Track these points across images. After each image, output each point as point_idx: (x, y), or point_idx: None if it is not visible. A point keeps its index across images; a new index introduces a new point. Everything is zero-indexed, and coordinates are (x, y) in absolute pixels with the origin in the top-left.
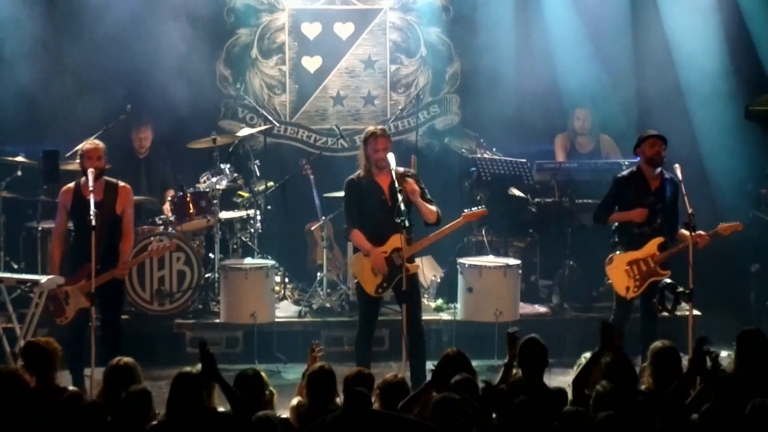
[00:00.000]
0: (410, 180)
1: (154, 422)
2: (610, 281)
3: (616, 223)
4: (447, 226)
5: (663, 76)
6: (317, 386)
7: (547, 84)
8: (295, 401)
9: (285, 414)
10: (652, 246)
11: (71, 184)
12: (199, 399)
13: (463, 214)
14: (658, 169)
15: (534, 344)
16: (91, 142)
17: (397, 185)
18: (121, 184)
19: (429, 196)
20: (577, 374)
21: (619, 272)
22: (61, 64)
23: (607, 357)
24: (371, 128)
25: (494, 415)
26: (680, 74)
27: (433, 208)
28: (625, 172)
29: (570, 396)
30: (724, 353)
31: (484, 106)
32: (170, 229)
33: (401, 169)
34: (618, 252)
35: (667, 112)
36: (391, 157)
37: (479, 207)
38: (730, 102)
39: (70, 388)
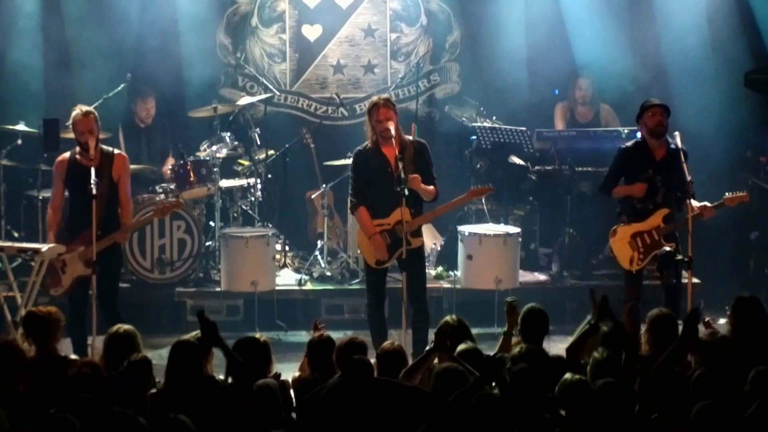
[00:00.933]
0: (414, 177)
1: (154, 390)
2: (612, 254)
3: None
4: (451, 202)
5: (663, 45)
6: (319, 355)
7: (547, 53)
8: (296, 374)
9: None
10: (656, 218)
11: (66, 154)
12: (198, 367)
13: (469, 190)
14: (663, 139)
15: (535, 312)
16: (82, 111)
17: (397, 152)
18: (116, 151)
19: (433, 172)
20: (572, 343)
21: (623, 244)
22: (61, 33)
23: (606, 326)
24: (375, 98)
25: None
26: (680, 42)
27: (431, 187)
28: (629, 143)
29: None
30: (722, 320)
31: (484, 74)
32: (170, 196)
33: (410, 138)
34: (621, 224)
35: (667, 80)
36: (390, 126)
37: (486, 184)
38: (730, 70)
39: (72, 356)
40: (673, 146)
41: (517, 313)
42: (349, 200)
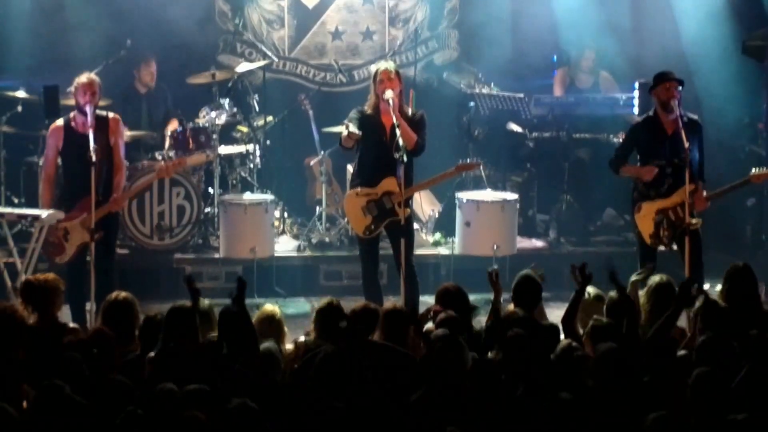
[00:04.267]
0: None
1: (151, 354)
2: (637, 230)
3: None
4: (439, 175)
5: (661, 12)
6: (325, 321)
7: (546, 18)
8: (301, 338)
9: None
10: (681, 194)
11: (59, 122)
12: (194, 332)
13: (457, 165)
14: (676, 113)
15: (528, 280)
16: (87, 76)
17: (395, 121)
18: (111, 115)
19: (422, 136)
20: (564, 314)
21: (648, 221)
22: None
23: (612, 294)
24: (378, 64)
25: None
26: (678, 9)
27: (414, 135)
28: (639, 119)
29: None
30: (718, 287)
31: (482, 41)
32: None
33: (409, 110)
34: (647, 200)
35: (664, 47)
36: (389, 93)
37: (474, 159)
38: (728, 37)
39: (71, 324)
40: (686, 120)
41: (499, 282)
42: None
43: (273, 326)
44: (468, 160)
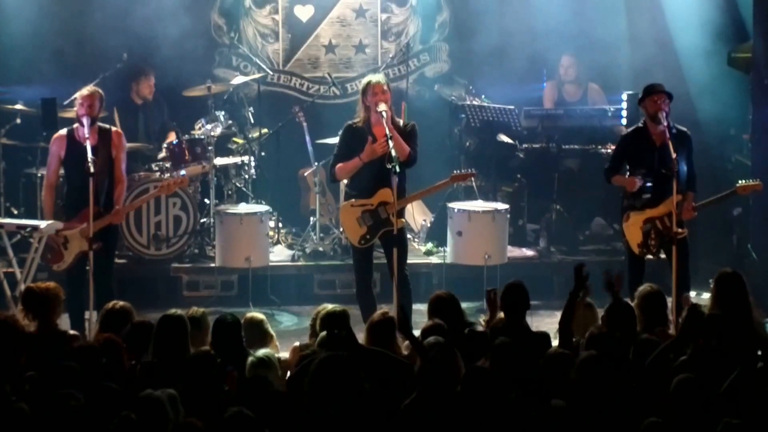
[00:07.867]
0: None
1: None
2: (625, 239)
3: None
4: (434, 186)
5: (649, 24)
6: (324, 328)
7: (536, 31)
8: (297, 343)
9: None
10: (669, 204)
11: (63, 131)
12: (185, 341)
13: (452, 175)
14: (664, 124)
15: (516, 288)
16: (87, 89)
17: (388, 132)
18: (114, 129)
19: (414, 147)
20: (560, 320)
21: (635, 230)
22: (58, 12)
23: (587, 296)
24: (368, 77)
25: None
26: (666, 20)
27: (407, 147)
28: (629, 130)
29: (556, 341)
30: (706, 295)
31: (473, 53)
32: (167, 175)
33: (400, 121)
34: (635, 210)
35: (652, 58)
36: (382, 106)
37: (468, 169)
38: (713, 48)
39: (70, 332)
40: (675, 131)
41: (497, 302)
42: (329, 171)
43: (261, 332)
44: (461, 171)
